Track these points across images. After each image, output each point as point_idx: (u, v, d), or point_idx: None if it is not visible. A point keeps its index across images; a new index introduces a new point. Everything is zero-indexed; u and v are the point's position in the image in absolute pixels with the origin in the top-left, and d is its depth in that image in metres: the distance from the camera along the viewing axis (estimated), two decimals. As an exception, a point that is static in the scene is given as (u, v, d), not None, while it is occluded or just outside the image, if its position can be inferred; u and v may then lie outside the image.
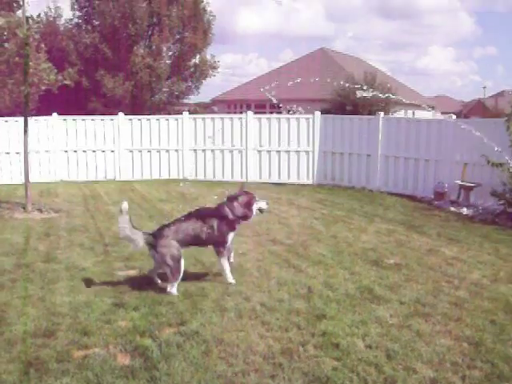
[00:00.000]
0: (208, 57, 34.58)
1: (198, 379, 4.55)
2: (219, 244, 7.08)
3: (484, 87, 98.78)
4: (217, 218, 7.07)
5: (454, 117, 15.87)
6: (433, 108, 47.25)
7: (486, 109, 51.78)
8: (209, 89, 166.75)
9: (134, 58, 29.91)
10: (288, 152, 17.56)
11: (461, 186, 14.01)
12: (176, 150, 18.15)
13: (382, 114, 16.72)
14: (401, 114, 32.09)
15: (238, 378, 4.58)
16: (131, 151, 18.07)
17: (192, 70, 34.18)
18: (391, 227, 10.88)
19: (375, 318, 5.92)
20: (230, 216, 7.07)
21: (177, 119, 18.29)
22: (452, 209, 13.45)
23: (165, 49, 32.90)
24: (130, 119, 18.29)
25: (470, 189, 13.80)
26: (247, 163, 17.82)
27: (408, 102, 29.13)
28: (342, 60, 41.55)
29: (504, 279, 7.68)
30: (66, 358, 4.91)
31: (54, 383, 4.46)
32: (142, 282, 7.11)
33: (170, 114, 27.35)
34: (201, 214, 7.20)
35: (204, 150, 18.07)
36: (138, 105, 31.04)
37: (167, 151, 18.17)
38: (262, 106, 37.06)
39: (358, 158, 16.72)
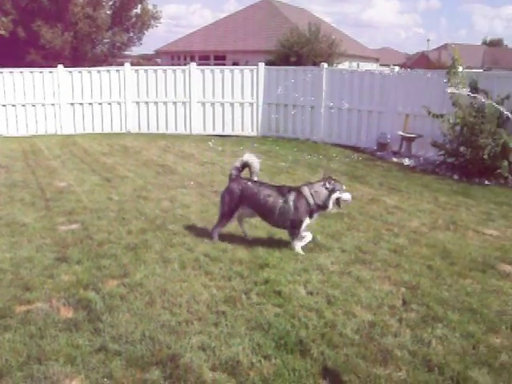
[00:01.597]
0: (150, 7, 33.93)
1: (142, 329, 4.59)
2: (293, 226, 6.53)
3: (428, 40, 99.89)
4: (296, 195, 6.56)
5: (397, 68, 16.02)
6: (377, 60, 47.59)
7: (429, 61, 52.44)
8: (152, 40, 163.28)
9: (72, 8, 28.99)
10: (232, 104, 17.45)
11: (403, 137, 14.24)
12: (118, 103, 17.79)
13: (325, 65, 16.71)
14: (345, 65, 32.18)
15: (181, 327, 4.64)
16: (72, 104, 17.60)
17: (134, 20, 33.43)
18: (334, 177, 11.00)
19: (317, 266, 6.05)
20: (310, 200, 6.50)
21: (118, 71, 17.86)
22: (394, 159, 13.71)
23: (104, -2, 32.02)
24: (70, 71, 17.73)
25: (411, 140, 14.06)
26: (191, 116, 17.65)
27: (352, 53, 29.25)
28: (286, 11, 41.20)
29: (442, 226, 7.92)
30: (8, 314, 4.87)
31: (-4, 338, 4.43)
32: (85, 236, 7.05)
33: (112, 66, 26.75)
34: (280, 187, 6.85)
35: (147, 103, 17.78)
36: (78, 57, 30.27)
37: (109, 104, 17.78)
38: (206, 58, 36.65)
39: (302, 109, 16.75)
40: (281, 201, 6.54)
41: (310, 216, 6.56)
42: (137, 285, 5.49)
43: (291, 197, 6.53)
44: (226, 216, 6.88)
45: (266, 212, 6.71)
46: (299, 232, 6.51)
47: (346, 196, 6.64)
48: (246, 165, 6.94)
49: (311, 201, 6.48)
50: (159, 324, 4.69)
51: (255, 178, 6.96)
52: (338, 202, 6.61)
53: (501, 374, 4.06)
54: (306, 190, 6.55)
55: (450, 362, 4.17)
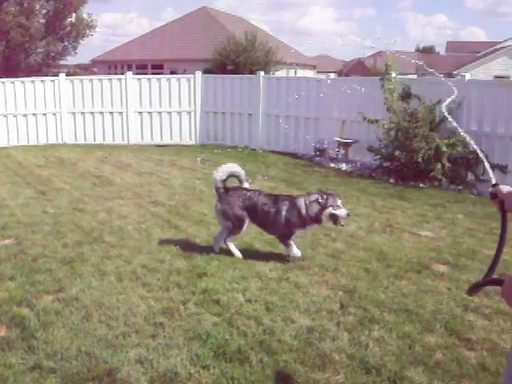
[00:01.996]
0: (85, 15, 33.41)
1: (78, 345, 4.49)
2: (283, 235, 6.58)
3: (364, 47, 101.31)
4: (289, 205, 6.53)
5: (333, 75, 16.25)
6: (314, 67, 48.17)
7: (365, 68, 53.35)
8: (89, 49, 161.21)
9: (3, 17, 28.30)
10: (170, 113, 17.34)
11: (339, 143, 14.44)
12: (54, 114, 17.38)
13: (262, 73, 16.81)
14: (282, 73, 32.44)
15: (118, 341, 4.56)
16: (5, 116, 17.08)
17: (68, 29, 32.90)
18: (273, 185, 11.08)
19: (255, 273, 6.06)
20: (303, 211, 6.45)
21: (53, 81, 17.47)
22: (332, 165, 13.89)
23: (38, 6, 31.42)
24: (3, 82, 17.16)
25: (348, 145, 14.27)
26: (128, 125, 17.42)
27: (289, 61, 29.50)
28: (224, 19, 41.27)
29: (378, 229, 8.07)
30: None
31: None
32: (19, 251, 6.86)
33: (46, 76, 26.21)
34: (275, 195, 6.87)
35: (83, 113, 17.46)
36: (11, 67, 29.59)
37: (44, 115, 17.35)
38: (143, 67, 36.35)
39: (240, 117, 16.80)
40: (273, 210, 6.53)
41: (303, 227, 6.56)
42: (72, 299, 5.37)
43: (284, 207, 6.51)
44: (235, 230, 6.75)
45: (262, 221, 6.73)
46: (289, 242, 6.52)
47: (341, 213, 6.47)
48: (232, 175, 6.85)
49: (304, 212, 6.45)
50: (96, 338, 4.60)
51: (245, 186, 6.89)
52: (333, 218, 6.48)
53: (435, 371, 4.15)
54: (300, 201, 6.52)
55: (386, 363, 4.23)
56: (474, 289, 2.43)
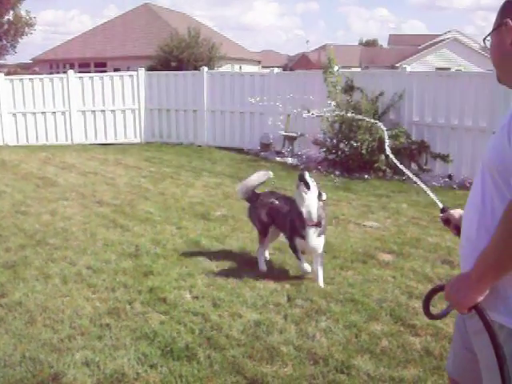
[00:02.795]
0: (23, 13, 32.64)
1: (22, 350, 4.39)
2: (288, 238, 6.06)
3: (307, 41, 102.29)
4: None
5: (277, 70, 16.30)
6: (259, 62, 48.28)
7: (309, 62, 53.77)
8: (29, 48, 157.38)
9: None
10: (113, 111, 17.08)
11: (285, 137, 14.51)
12: (-7, 115, 16.97)
13: (206, 68, 16.74)
14: (227, 68, 32.40)
15: (63, 344, 4.48)
16: None
17: (6, 27, 32.10)
18: (219, 180, 11.07)
19: (202, 270, 6.03)
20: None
21: (-9, 81, 17.05)
22: (278, 159, 13.93)
23: (-27, 4, 30.57)
24: None
25: (293, 139, 14.35)
26: (71, 125, 17.06)
27: (233, 56, 29.49)
28: (167, 15, 40.90)
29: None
30: None
31: None
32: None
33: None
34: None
35: (24, 114, 17.04)
36: None
37: (-17, 116, 16.94)
38: (86, 65, 35.73)
39: (185, 114, 16.67)
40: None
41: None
42: (16, 304, 5.24)
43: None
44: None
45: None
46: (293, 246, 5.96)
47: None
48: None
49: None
50: (40, 343, 4.50)
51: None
52: None
53: (382, 358, 4.21)
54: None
55: (333, 353, 4.28)
56: (427, 307, 2.41)
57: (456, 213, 2.63)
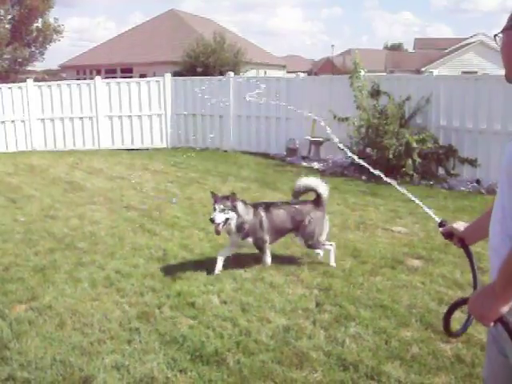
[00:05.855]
0: (51, 20, 33.04)
1: (52, 353, 4.43)
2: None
3: (332, 45, 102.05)
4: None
5: (302, 75, 16.27)
6: (284, 67, 48.28)
7: (334, 67, 53.68)
8: (57, 55, 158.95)
9: (-33, 23, 27.91)
10: (140, 117, 17.21)
11: (311, 142, 14.49)
12: (22, 121, 17.15)
13: (231, 74, 16.79)
14: (252, 73, 32.45)
15: (93, 347, 4.51)
16: (-28, 124, 16.88)
17: (35, 34, 32.51)
18: (245, 185, 11.06)
19: (230, 274, 6.03)
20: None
21: (21, 88, 17.25)
22: (304, 164, 13.91)
23: (2, 12, 30.98)
24: (-32, 89, 17.00)
25: (319, 144, 14.32)
26: (98, 130, 17.27)
27: (258, 61, 29.51)
28: (192, 21, 41.12)
29: (352, 227, 8.10)
30: None
31: None
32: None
33: (14, 82, 25.86)
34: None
35: (52, 119, 17.26)
36: (-23, 74, 29.12)
37: (13, 122, 17.11)
38: (112, 71, 36.06)
39: (211, 119, 16.74)
40: None
41: None
42: (46, 308, 5.29)
43: None
44: None
45: None
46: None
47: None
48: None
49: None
50: (70, 346, 4.54)
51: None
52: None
53: (412, 365, 4.17)
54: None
55: (363, 359, 4.25)
56: (447, 323, 2.39)
57: (460, 226, 2.63)
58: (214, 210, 5.95)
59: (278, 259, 6.54)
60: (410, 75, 17.27)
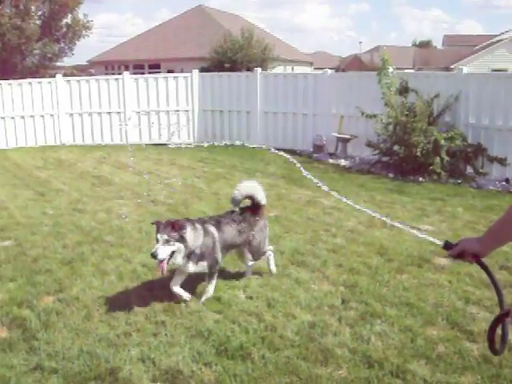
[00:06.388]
0: (81, 16, 33.40)
1: (79, 345, 4.49)
2: None
3: (360, 42, 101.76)
4: None
5: (330, 71, 16.20)
6: (311, 64, 48.16)
7: (362, 63, 53.37)
8: (85, 50, 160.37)
9: (-1, 19, 28.28)
10: (167, 112, 17.29)
11: (338, 139, 14.43)
12: (51, 115, 17.33)
13: (259, 70, 16.78)
14: (279, 69, 32.41)
15: (120, 340, 4.56)
16: (3, 118, 17.05)
17: (64, 30, 32.86)
18: (272, 181, 11.05)
19: (256, 270, 6.03)
20: None
21: (50, 82, 17.41)
22: (331, 161, 13.85)
23: (33, 8, 31.35)
24: (0, 84, 17.22)
25: (346, 141, 14.25)
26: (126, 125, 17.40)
27: (286, 57, 29.47)
28: (219, 17, 41.23)
29: (378, 224, 8.04)
30: None
31: None
32: (19, 253, 6.86)
33: (44, 77, 26.14)
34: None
35: (81, 114, 17.42)
36: (7, 69, 29.54)
37: (42, 116, 17.30)
38: (140, 67, 36.33)
39: (238, 115, 16.76)
40: None
41: None
42: (73, 299, 5.37)
43: None
44: None
45: None
46: None
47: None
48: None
49: None
50: (97, 338, 4.60)
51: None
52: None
53: (438, 364, 4.14)
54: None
55: (389, 357, 4.23)
56: (491, 341, 2.35)
57: (469, 241, 2.54)
58: (157, 241, 5.00)
59: (302, 256, 6.54)
60: (438, 72, 17.09)
